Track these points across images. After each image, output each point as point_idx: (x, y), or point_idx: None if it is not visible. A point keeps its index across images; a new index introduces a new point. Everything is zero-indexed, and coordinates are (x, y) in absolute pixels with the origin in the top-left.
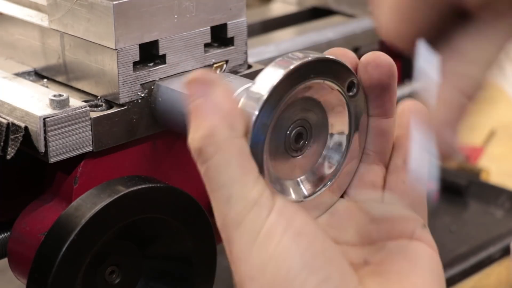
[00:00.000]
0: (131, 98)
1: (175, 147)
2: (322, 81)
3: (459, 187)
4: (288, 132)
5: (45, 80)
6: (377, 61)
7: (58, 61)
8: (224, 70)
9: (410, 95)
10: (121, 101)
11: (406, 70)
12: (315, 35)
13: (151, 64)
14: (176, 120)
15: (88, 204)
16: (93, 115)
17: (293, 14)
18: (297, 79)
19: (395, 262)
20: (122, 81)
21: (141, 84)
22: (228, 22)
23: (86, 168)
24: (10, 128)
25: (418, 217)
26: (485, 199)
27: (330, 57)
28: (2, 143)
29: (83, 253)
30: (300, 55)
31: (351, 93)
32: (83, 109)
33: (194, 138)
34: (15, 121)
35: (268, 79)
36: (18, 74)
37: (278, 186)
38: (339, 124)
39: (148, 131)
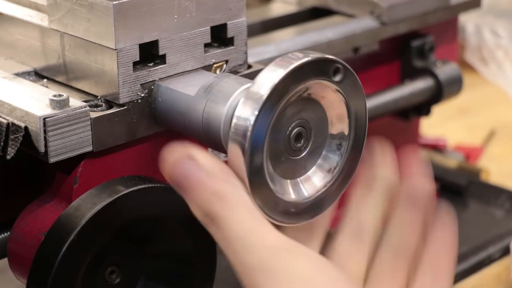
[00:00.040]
0: (131, 98)
1: None
2: (322, 81)
3: (459, 187)
4: (288, 132)
5: (45, 80)
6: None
7: (58, 61)
8: (224, 70)
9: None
10: (121, 101)
11: (406, 70)
12: (315, 35)
13: (151, 64)
14: (176, 120)
15: (88, 204)
16: (93, 115)
17: (293, 14)
18: (297, 79)
19: None
20: (122, 81)
21: (141, 84)
22: (228, 22)
23: (86, 168)
24: (10, 128)
25: None
26: (485, 199)
27: (330, 57)
28: (2, 143)
29: (83, 253)
30: (300, 55)
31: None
32: (83, 109)
33: (198, 206)
34: (15, 121)
35: (268, 79)
36: (18, 74)
37: (278, 186)
38: (339, 124)
39: (148, 131)
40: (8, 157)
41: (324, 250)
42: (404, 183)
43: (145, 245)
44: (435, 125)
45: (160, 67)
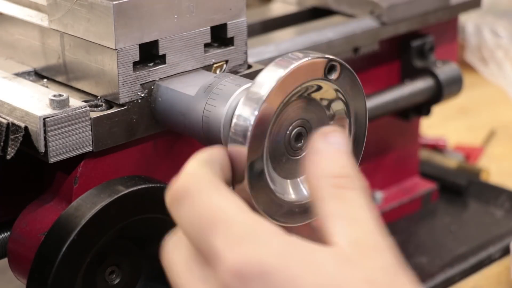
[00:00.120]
0: (131, 98)
1: (175, 147)
2: (322, 80)
3: (459, 187)
4: (288, 132)
5: (45, 80)
6: None
7: (58, 61)
8: (224, 70)
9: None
10: (121, 101)
11: (406, 70)
12: (315, 35)
13: (151, 64)
14: (176, 120)
15: (88, 204)
16: (93, 115)
17: (293, 14)
18: (297, 79)
19: None
20: (122, 81)
21: (141, 84)
22: (228, 22)
23: (86, 168)
24: (10, 128)
25: None
26: (485, 199)
27: (330, 57)
28: (2, 143)
29: (83, 253)
30: (300, 55)
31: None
32: (83, 109)
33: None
34: (15, 121)
35: (268, 79)
36: (18, 74)
37: (278, 186)
38: (339, 123)
39: (148, 131)
40: (8, 157)
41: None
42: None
43: (145, 245)
44: (435, 125)
45: (160, 67)
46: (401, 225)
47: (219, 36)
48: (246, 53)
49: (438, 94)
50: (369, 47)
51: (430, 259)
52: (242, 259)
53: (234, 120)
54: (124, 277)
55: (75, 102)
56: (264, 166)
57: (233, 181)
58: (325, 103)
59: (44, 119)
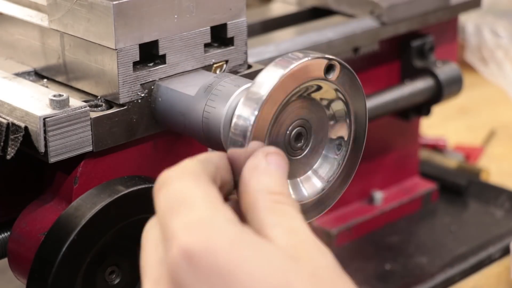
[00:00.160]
0: (131, 98)
1: (175, 147)
2: (322, 80)
3: (459, 187)
4: (288, 132)
5: (45, 80)
6: None
7: (58, 61)
8: (224, 70)
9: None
10: (121, 101)
11: (406, 70)
12: (315, 35)
13: (151, 64)
14: (176, 120)
15: (88, 204)
16: (93, 115)
17: (293, 14)
18: (297, 79)
19: None
20: (122, 81)
21: (141, 84)
22: (228, 22)
23: (86, 168)
24: (10, 128)
25: None
26: (485, 199)
27: (330, 56)
28: (2, 143)
29: (83, 253)
30: (300, 55)
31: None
32: (83, 109)
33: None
34: (15, 121)
35: (268, 79)
36: (18, 74)
37: None
38: (339, 124)
39: (148, 131)
40: (8, 157)
41: None
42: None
43: None
44: (435, 125)
45: (160, 67)
46: (401, 225)
47: (219, 36)
48: (246, 53)
49: (438, 94)
50: (369, 47)
51: (430, 259)
52: (191, 241)
53: (234, 120)
54: (124, 277)
55: (75, 102)
56: None
57: (235, 184)
58: (325, 103)
59: (44, 119)
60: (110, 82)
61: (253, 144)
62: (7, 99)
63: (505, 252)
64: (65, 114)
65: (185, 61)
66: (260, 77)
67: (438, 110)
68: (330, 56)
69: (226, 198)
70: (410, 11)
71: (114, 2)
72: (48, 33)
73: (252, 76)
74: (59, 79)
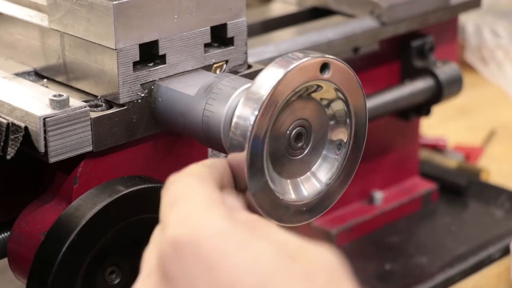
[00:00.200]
0: (131, 98)
1: (175, 147)
2: (322, 80)
3: (459, 187)
4: (288, 132)
5: (45, 80)
6: None
7: (58, 61)
8: (224, 70)
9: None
10: (121, 101)
11: (406, 70)
12: (315, 35)
13: (151, 64)
14: (176, 120)
15: (88, 204)
16: (93, 115)
17: (293, 14)
18: (297, 79)
19: None
20: (122, 81)
21: (141, 84)
22: (228, 22)
23: (86, 168)
24: (10, 128)
25: None
26: (485, 199)
27: (330, 56)
28: (2, 143)
29: (83, 253)
30: (300, 55)
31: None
32: (83, 109)
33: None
34: (15, 121)
35: (268, 79)
36: (18, 74)
37: (278, 186)
38: (339, 124)
39: (148, 131)
40: (8, 157)
41: None
42: None
43: (145, 245)
44: (435, 125)
45: (160, 67)
46: (401, 225)
47: (219, 36)
48: (246, 53)
49: (438, 94)
50: (369, 47)
51: (430, 259)
52: (179, 231)
53: (234, 120)
54: (124, 277)
55: (75, 102)
56: (264, 166)
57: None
58: (325, 103)
59: (44, 119)
60: (110, 82)
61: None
62: (7, 99)
63: (505, 252)
64: (65, 114)
65: (185, 61)
66: (260, 77)
67: (438, 110)
68: (330, 56)
69: None
70: (410, 11)
71: (114, 2)
72: (48, 33)
73: (252, 76)
74: (59, 79)
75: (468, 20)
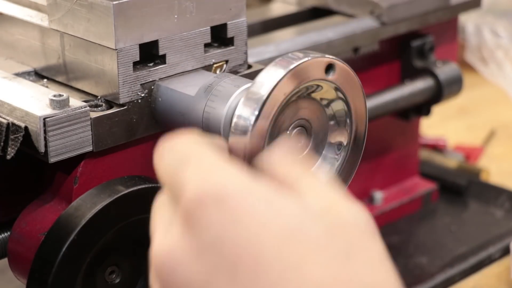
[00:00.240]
0: (131, 98)
1: None
2: (322, 80)
3: (459, 187)
4: (288, 132)
5: (45, 80)
6: None
7: (58, 61)
8: (224, 70)
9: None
10: (121, 101)
11: (406, 70)
12: (315, 35)
13: (151, 64)
14: (176, 120)
15: (88, 204)
16: (93, 115)
17: (293, 14)
18: (297, 79)
19: None
20: (122, 81)
21: (141, 84)
22: (228, 22)
23: (86, 168)
24: (10, 128)
25: None
26: (485, 199)
27: (330, 56)
28: (2, 143)
29: (83, 253)
30: (300, 55)
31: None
32: (83, 109)
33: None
34: (15, 121)
35: (268, 79)
36: (18, 74)
37: None
38: (339, 124)
39: (148, 131)
40: (8, 157)
41: None
42: None
43: (145, 245)
44: (435, 125)
45: (160, 67)
46: (401, 225)
47: (219, 36)
48: (246, 53)
49: (438, 94)
50: (369, 47)
51: (430, 259)
52: (203, 184)
53: (234, 120)
54: (124, 277)
55: (75, 102)
56: None
57: None
58: (325, 103)
59: (44, 119)
60: (110, 82)
61: (254, 136)
62: (7, 99)
63: (505, 252)
64: (65, 114)
65: (185, 61)
66: (260, 77)
67: (438, 110)
68: (330, 56)
69: None
70: (410, 11)
71: (114, 2)
72: (48, 33)
73: (252, 76)
74: (59, 79)
75: (468, 20)
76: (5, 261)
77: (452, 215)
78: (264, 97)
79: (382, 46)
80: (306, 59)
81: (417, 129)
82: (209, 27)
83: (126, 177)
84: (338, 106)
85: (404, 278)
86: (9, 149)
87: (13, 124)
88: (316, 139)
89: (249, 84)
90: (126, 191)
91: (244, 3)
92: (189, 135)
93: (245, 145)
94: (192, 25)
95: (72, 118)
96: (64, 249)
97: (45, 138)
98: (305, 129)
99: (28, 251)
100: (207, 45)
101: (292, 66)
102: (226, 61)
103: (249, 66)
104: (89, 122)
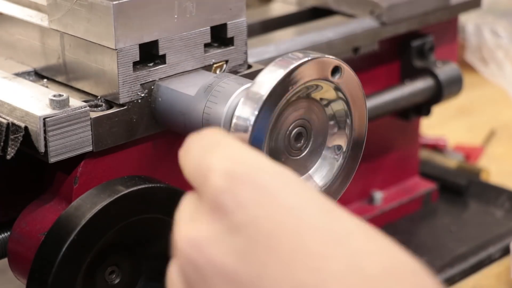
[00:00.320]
0: (131, 98)
1: (175, 147)
2: (322, 81)
3: (459, 187)
4: (288, 132)
5: (45, 80)
6: None
7: (58, 61)
8: (224, 70)
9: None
10: (121, 101)
11: (406, 70)
12: (315, 35)
13: (151, 64)
14: (176, 120)
15: (88, 204)
16: (93, 115)
17: (293, 14)
18: (297, 79)
19: None
20: (122, 81)
21: (141, 84)
22: (228, 22)
23: (86, 168)
24: (10, 128)
25: None
26: (485, 199)
27: (330, 57)
28: (2, 143)
29: (83, 253)
30: (300, 55)
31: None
32: (83, 109)
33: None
34: (15, 121)
35: (268, 79)
36: (18, 74)
37: None
38: (339, 124)
39: (148, 131)
40: (8, 157)
41: None
42: None
43: (145, 245)
44: (435, 125)
45: (160, 67)
46: (401, 225)
47: (219, 36)
48: (246, 53)
49: (438, 94)
50: (369, 47)
51: (430, 259)
52: (234, 164)
53: (234, 120)
54: (124, 277)
55: (75, 102)
56: None
57: None
58: (325, 103)
59: (44, 119)
60: (110, 82)
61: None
62: (7, 99)
63: (505, 252)
64: (65, 114)
65: (185, 61)
66: (260, 77)
67: (438, 110)
68: (330, 56)
69: None
70: (410, 11)
71: (114, 2)
72: (48, 33)
73: (252, 76)
74: (59, 79)
75: (468, 20)
76: (5, 261)
77: (452, 215)
78: (264, 97)
79: (382, 46)
80: (306, 59)
81: (417, 129)
82: (209, 27)
83: (126, 177)
84: (338, 106)
85: None
86: (9, 149)
87: (13, 124)
88: (316, 139)
89: (249, 84)
90: (126, 191)
91: (244, 3)
92: (213, 129)
93: None
94: (192, 25)
95: (72, 118)
96: (64, 249)
97: (45, 138)
98: (305, 129)
99: (28, 251)
100: (207, 45)
101: (292, 66)
102: (226, 61)
103: (249, 66)
104: (89, 122)
